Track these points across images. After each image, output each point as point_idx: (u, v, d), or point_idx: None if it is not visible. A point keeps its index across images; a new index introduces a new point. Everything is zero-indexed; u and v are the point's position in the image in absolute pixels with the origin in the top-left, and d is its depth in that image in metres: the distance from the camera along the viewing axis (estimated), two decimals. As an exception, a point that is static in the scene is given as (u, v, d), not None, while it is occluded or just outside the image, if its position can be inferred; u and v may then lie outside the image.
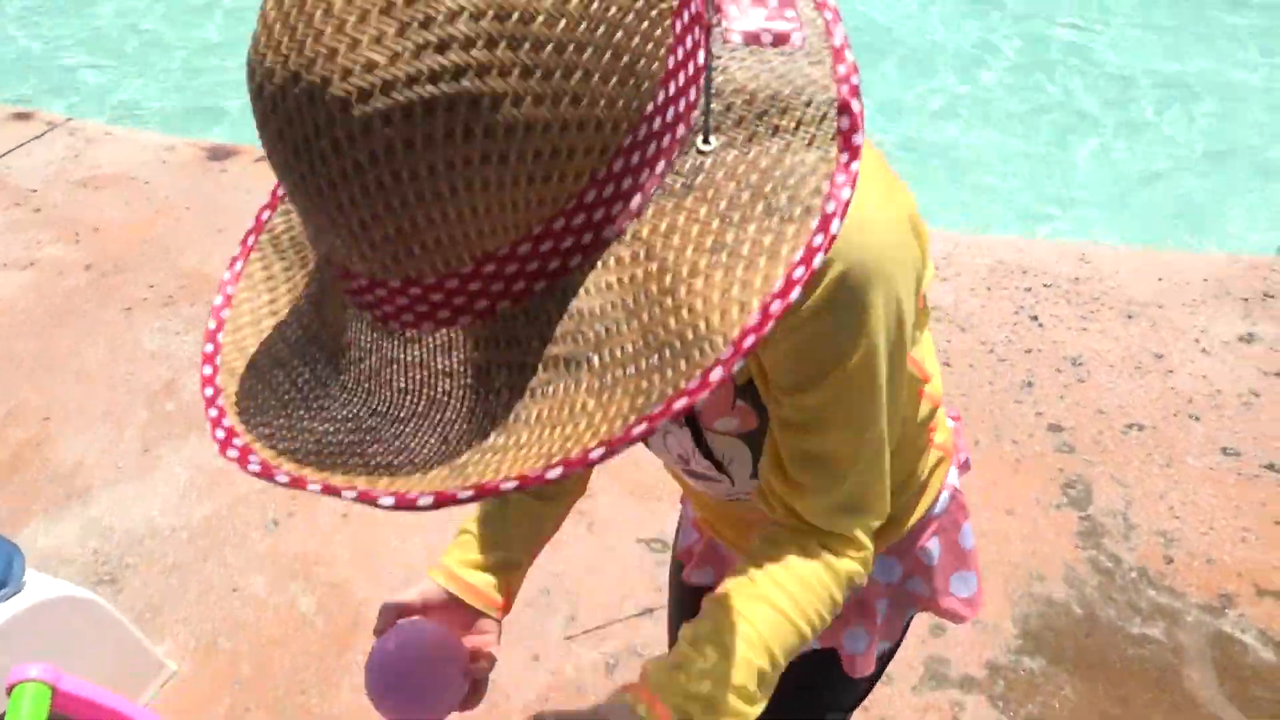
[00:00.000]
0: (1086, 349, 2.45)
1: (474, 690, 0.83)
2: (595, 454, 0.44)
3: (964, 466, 0.96)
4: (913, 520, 0.88)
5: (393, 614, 0.83)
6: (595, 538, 2.04)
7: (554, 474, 0.44)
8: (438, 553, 0.88)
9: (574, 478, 0.79)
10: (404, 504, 0.45)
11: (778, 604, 0.68)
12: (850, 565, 0.71)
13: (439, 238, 0.44)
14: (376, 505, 0.46)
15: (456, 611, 0.84)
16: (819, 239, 0.46)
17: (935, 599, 0.92)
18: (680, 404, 0.44)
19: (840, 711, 1.03)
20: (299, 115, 0.42)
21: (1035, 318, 2.56)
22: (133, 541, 2.13)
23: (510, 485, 0.44)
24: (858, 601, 0.90)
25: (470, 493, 0.45)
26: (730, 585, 0.70)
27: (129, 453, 2.36)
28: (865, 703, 1.70)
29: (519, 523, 0.87)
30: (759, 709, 0.66)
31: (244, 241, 0.61)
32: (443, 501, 0.45)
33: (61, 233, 3.21)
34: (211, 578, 2.03)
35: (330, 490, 0.47)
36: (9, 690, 0.92)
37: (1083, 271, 2.72)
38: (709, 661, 0.65)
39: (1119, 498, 2.06)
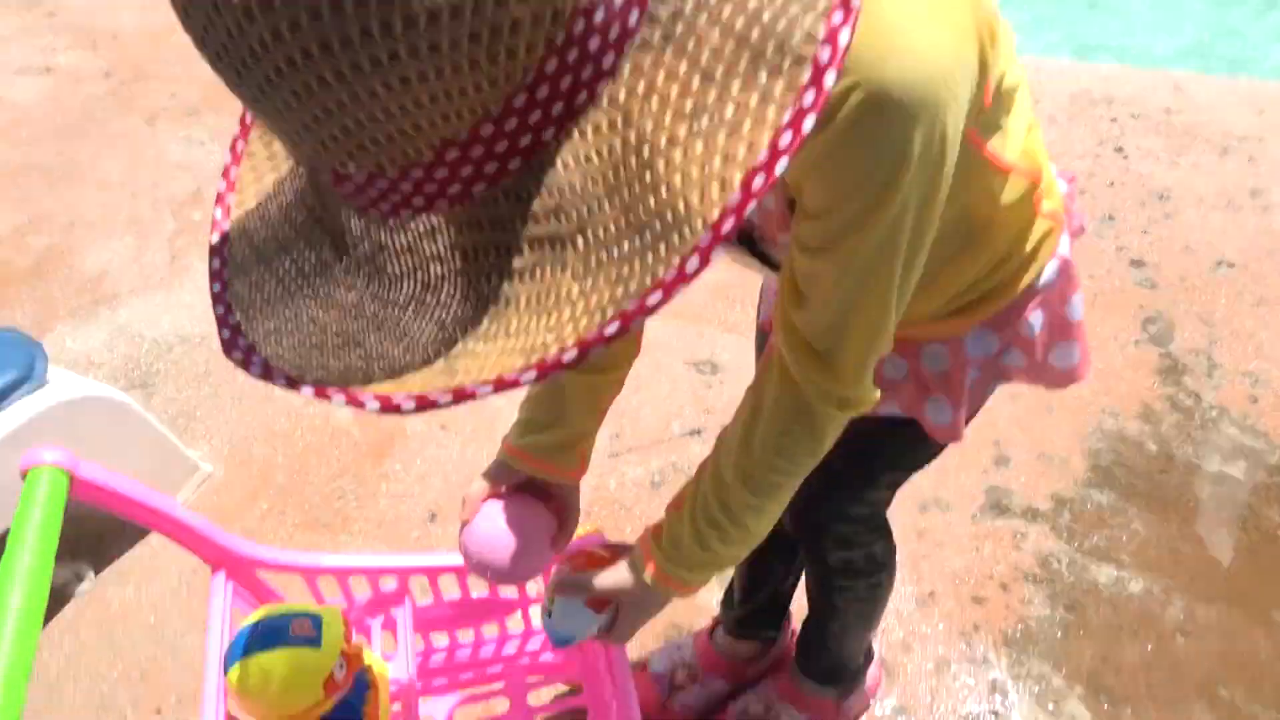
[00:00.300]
0: (1176, 183, 2.26)
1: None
2: (569, 355, 0.43)
3: (1077, 232, 0.87)
4: (1015, 293, 0.82)
5: (476, 499, 0.86)
6: (644, 358, 1.92)
7: (528, 377, 0.44)
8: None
9: (629, 339, 0.85)
10: (389, 408, 0.46)
11: (763, 476, 0.72)
12: (842, 414, 0.70)
13: (389, 133, 0.41)
14: (363, 408, 0.46)
15: (534, 486, 0.87)
16: (809, 97, 0.41)
17: (1031, 371, 0.87)
18: (655, 298, 0.43)
19: (899, 471, 0.99)
20: (212, 22, 0.39)
21: (1120, 149, 2.36)
22: (163, 349, 2.06)
23: (486, 390, 0.44)
24: (943, 373, 0.85)
25: (449, 397, 0.45)
26: (723, 458, 0.75)
27: (156, 262, 2.27)
28: (920, 527, 1.65)
29: (575, 396, 0.86)
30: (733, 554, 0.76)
31: (242, 119, 0.58)
32: (423, 405, 0.45)
33: (78, 39, 3.04)
34: (244, 387, 1.97)
35: (321, 395, 0.48)
36: (23, 476, 0.82)
37: (1175, 102, 2.49)
38: (694, 538, 0.75)
39: (1203, 336, 1.93)
